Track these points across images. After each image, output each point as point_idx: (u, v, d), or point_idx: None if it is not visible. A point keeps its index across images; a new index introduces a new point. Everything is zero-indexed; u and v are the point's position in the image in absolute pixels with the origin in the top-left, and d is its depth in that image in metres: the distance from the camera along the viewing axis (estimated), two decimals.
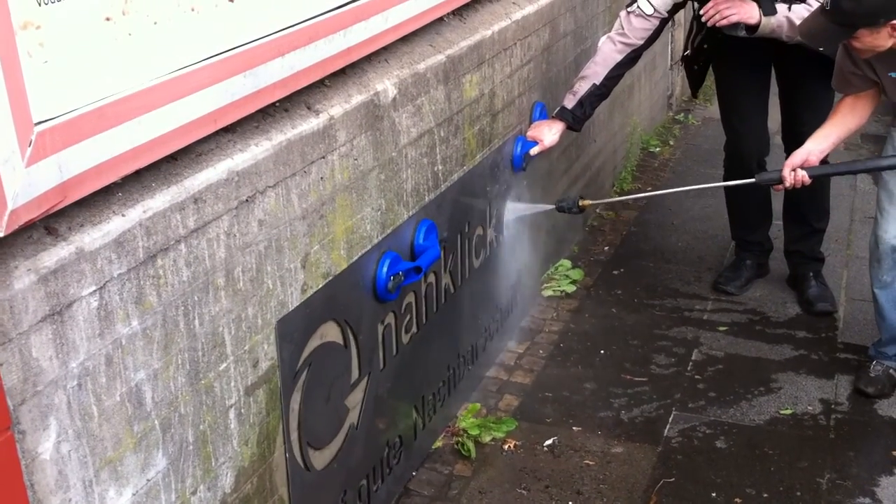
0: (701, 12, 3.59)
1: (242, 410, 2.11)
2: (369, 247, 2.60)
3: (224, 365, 2.03)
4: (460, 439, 3.21)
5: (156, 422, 1.83)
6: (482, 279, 3.45)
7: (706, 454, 3.21)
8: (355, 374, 2.59)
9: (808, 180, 3.30)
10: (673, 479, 3.09)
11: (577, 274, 4.35)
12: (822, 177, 3.51)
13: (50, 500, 1.59)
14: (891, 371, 3.51)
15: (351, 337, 2.54)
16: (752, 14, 3.47)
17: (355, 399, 2.61)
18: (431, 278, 3.01)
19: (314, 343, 2.38)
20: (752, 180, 3.50)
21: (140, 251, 1.74)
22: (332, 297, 2.43)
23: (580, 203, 3.63)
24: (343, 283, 2.48)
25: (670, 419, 3.40)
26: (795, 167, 3.29)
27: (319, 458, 2.46)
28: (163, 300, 1.82)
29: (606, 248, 4.71)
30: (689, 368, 3.71)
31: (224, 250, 1.99)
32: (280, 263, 2.20)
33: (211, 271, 1.95)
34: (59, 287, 1.56)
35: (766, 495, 3.00)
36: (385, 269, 2.63)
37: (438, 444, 3.22)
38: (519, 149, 3.58)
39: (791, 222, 4.19)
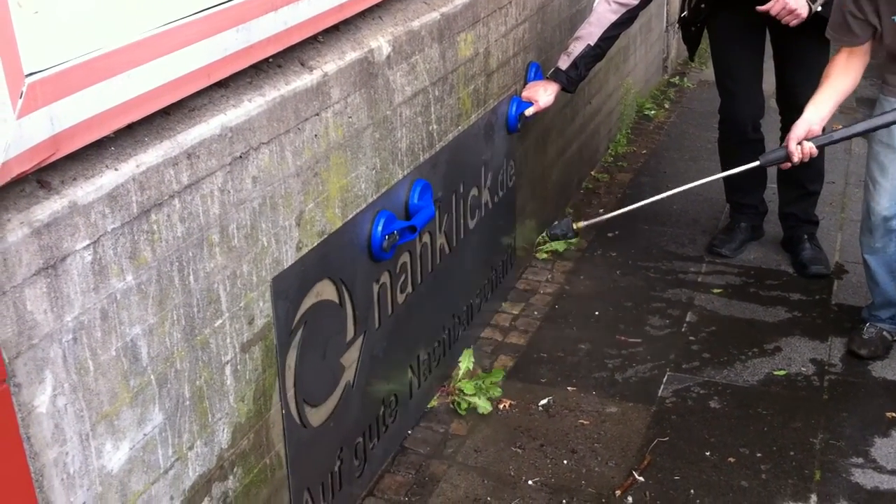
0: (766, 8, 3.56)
1: (238, 367, 2.11)
2: (364, 206, 2.59)
3: (219, 321, 2.03)
4: (456, 398, 3.22)
5: (152, 377, 1.83)
6: (477, 240, 3.44)
7: (700, 414, 3.22)
8: (350, 332, 2.59)
9: (815, 152, 3.22)
10: (667, 439, 3.10)
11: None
12: (828, 145, 3.41)
13: (46, 453, 1.59)
14: (884, 333, 3.52)
15: (346, 295, 2.54)
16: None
17: (351, 357, 2.61)
18: (426, 238, 3.01)
19: (309, 301, 2.38)
20: (757, 163, 3.41)
21: (134, 206, 1.73)
22: (326, 255, 2.42)
23: (574, 226, 3.66)
24: (338, 241, 2.47)
25: (664, 380, 3.41)
26: (801, 140, 3.20)
27: (316, 416, 2.47)
28: (157, 255, 1.81)
29: (601, 210, 4.70)
30: (683, 330, 3.71)
31: (218, 206, 1.98)
32: (275, 221, 2.19)
33: (205, 227, 1.94)
34: (52, 240, 1.55)
35: (759, 455, 3.02)
36: (380, 228, 2.62)
37: (434, 403, 3.23)
38: (514, 109, 3.57)
39: (785, 185, 4.18)
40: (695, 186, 3.59)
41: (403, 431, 3.06)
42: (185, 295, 1.91)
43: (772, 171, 4.23)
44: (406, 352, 2.98)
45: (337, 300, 2.51)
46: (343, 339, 2.56)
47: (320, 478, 2.53)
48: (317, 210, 2.37)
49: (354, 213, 2.54)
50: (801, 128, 3.21)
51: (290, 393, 2.33)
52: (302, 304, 2.34)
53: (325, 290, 2.44)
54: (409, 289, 2.93)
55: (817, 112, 3.21)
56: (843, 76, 3.22)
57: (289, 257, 2.26)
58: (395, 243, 2.67)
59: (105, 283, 1.68)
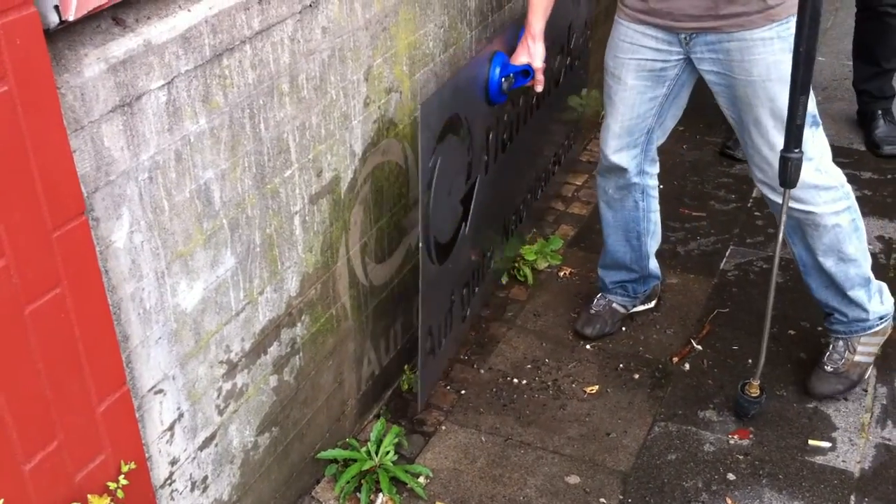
0: None
1: (307, 218, 2.14)
2: (431, 64, 2.56)
3: (289, 172, 2.05)
4: (517, 265, 3.24)
5: (224, 221, 1.86)
6: (553, 106, 3.35)
7: (762, 287, 3.20)
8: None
9: None
10: (727, 310, 3.10)
11: None
12: None
13: (124, 287, 1.64)
14: (614, 305, 3.05)
15: (468, 136, 2.50)
16: None
17: (415, 218, 2.63)
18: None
19: (376, 159, 2.38)
20: None
21: (206, 49, 1.73)
22: (457, 90, 2.38)
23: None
24: (463, 79, 2.43)
25: (727, 253, 3.39)
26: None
27: (380, 273, 2.50)
28: (229, 101, 1.82)
29: None
30: (749, 205, 3.67)
31: (288, 55, 1.97)
32: (343, 74, 2.18)
33: (276, 76, 1.94)
34: (128, 78, 1.56)
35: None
36: (497, 70, 2.55)
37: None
38: None
39: (860, 61, 4.06)
40: None
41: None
42: (256, 143, 1.92)
43: (846, 47, 4.10)
44: (502, 207, 2.97)
45: (460, 140, 2.47)
46: (462, 181, 2.55)
47: (439, 317, 2.58)
48: (385, 66, 2.35)
49: (422, 70, 2.52)
50: None
51: (356, 248, 2.35)
52: (439, 136, 2.32)
53: (452, 128, 2.41)
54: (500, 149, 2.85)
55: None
56: None
57: (356, 112, 2.26)
58: (512, 86, 2.61)
59: (179, 124, 1.70)
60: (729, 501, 2.43)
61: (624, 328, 3.02)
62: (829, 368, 2.75)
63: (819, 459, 2.54)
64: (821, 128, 2.48)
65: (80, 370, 1.54)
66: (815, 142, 2.42)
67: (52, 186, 1.41)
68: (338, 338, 2.38)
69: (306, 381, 2.28)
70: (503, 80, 2.56)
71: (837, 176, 2.56)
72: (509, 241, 3.17)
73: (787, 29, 2.32)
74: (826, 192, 2.53)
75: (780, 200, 2.47)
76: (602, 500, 2.43)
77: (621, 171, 2.76)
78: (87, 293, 1.53)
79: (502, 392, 2.79)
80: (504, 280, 3.21)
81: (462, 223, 2.60)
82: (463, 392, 2.79)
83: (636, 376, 2.84)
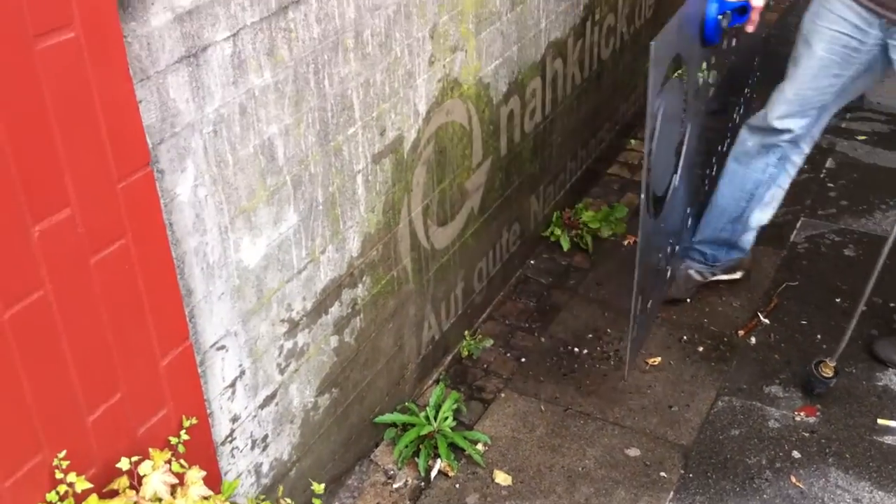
0: None
1: (369, 177, 2.11)
2: (497, 23, 2.51)
3: (352, 129, 2.01)
4: (580, 232, 3.18)
5: (287, 178, 1.84)
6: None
7: (833, 261, 3.11)
8: (479, 156, 2.55)
9: None
10: (796, 283, 3.02)
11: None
12: None
13: (188, 240, 1.62)
14: (690, 272, 2.99)
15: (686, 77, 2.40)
16: None
17: (478, 181, 2.58)
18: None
19: (439, 120, 2.33)
20: None
21: (272, 1, 1.70)
22: (680, 30, 2.25)
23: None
24: (680, 19, 2.26)
25: (798, 225, 3.30)
26: None
27: (442, 236, 2.47)
28: (294, 55, 1.79)
29: None
30: (822, 176, 3.56)
31: (353, 10, 1.93)
32: (408, 31, 2.14)
33: (341, 31, 1.90)
34: (194, 28, 1.54)
35: (892, 304, 2.91)
36: (714, 7, 2.42)
37: (558, 233, 3.20)
38: None
39: None
40: None
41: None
42: (320, 99, 1.89)
43: None
44: (701, 158, 2.81)
45: (680, 83, 2.37)
46: (677, 128, 2.45)
47: (651, 276, 2.50)
48: (450, 24, 2.30)
49: (488, 29, 2.46)
50: None
51: (418, 210, 2.32)
52: (664, 78, 2.21)
53: (675, 68, 2.32)
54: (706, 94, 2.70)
55: None
56: None
57: (421, 70, 2.22)
58: (729, 24, 2.48)
59: (244, 77, 1.67)
60: (793, 479, 2.36)
61: (689, 300, 2.95)
62: None
63: (888, 439, 2.46)
64: None
65: (143, 322, 1.53)
66: None
67: (118, 136, 1.40)
68: (398, 300, 2.35)
69: (367, 343, 2.26)
70: (720, 17, 2.43)
71: None
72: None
73: None
74: None
75: None
76: (663, 473, 2.38)
77: (777, 132, 2.64)
78: (152, 245, 1.52)
79: (563, 361, 2.75)
80: (566, 247, 3.14)
81: (673, 174, 2.50)
82: (523, 360, 2.75)
83: (700, 349, 2.78)
